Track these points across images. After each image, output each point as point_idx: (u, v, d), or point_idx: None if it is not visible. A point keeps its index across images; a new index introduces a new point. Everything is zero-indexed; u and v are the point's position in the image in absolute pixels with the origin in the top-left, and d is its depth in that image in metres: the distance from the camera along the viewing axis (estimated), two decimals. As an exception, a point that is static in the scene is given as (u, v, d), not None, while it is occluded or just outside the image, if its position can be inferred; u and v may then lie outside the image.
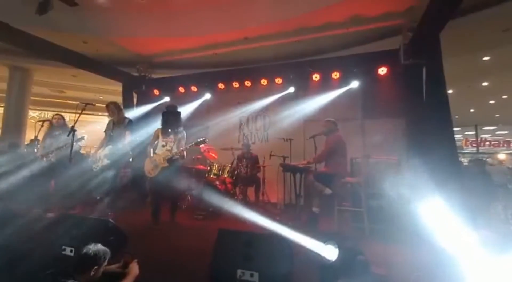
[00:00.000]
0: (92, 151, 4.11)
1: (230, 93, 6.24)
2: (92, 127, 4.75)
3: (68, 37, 5.92)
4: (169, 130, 3.64)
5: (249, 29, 5.68)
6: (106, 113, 3.98)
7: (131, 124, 3.89)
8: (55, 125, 4.25)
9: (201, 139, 3.55)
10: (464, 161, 9.18)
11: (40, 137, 4.62)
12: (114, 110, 3.86)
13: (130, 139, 3.82)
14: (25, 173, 3.95)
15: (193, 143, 3.55)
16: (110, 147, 3.71)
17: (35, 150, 4.73)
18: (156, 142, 3.69)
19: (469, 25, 5.00)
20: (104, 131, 3.94)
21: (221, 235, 2.26)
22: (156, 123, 5.23)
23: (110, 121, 3.94)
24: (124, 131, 3.80)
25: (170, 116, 3.70)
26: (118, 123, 3.86)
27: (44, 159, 4.04)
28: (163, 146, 3.59)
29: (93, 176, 3.67)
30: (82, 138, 3.99)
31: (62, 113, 4.55)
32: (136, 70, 6.93)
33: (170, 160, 3.50)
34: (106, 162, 3.63)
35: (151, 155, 3.63)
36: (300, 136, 5.11)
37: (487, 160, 9.85)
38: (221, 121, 6.06)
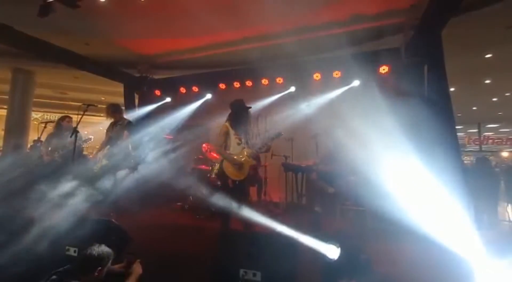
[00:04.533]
0: (94, 152, 4.16)
1: (231, 93, 6.24)
2: (94, 129, 4.78)
3: (70, 39, 5.95)
4: (242, 127, 3.26)
5: (249, 29, 5.67)
6: None
7: (130, 125, 3.95)
8: (64, 126, 4.27)
9: (278, 132, 3.21)
10: (467, 159, 9.12)
11: (43, 138, 4.65)
12: (109, 113, 3.92)
13: (129, 140, 3.85)
14: (29, 173, 3.98)
15: (272, 137, 3.22)
16: (108, 147, 3.75)
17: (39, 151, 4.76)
18: (227, 140, 3.23)
19: (471, 22, 4.96)
20: (106, 131, 4.00)
21: (223, 234, 2.27)
22: (158, 124, 5.24)
23: (111, 123, 4.00)
24: (122, 132, 3.84)
25: (243, 112, 3.29)
26: (117, 125, 3.91)
27: (49, 158, 4.08)
28: (238, 144, 3.20)
29: (95, 177, 3.70)
30: (90, 139, 4.03)
31: (64, 115, 4.58)
32: (137, 71, 6.95)
33: (255, 156, 3.23)
34: (105, 162, 3.67)
35: (230, 157, 3.16)
36: (302, 135, 5.11)
37: (490, 158, 9.79)
38: (223, 122, 6.05)
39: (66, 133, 4.15)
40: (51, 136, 4.29)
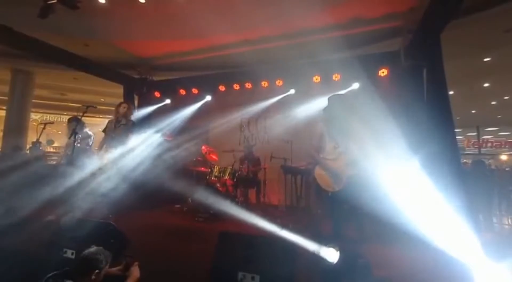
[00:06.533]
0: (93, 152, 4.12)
1: (230, 95, 6.25)
2: (93, 130, 4.76)
3: (70, 40, 5.96)
4: (339, 127, 2.80)
5: (249, 31, 5.69)
6: (108, 115, 4.00)
7: (134, 126, 3.87)
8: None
9: None
10: (466, 162, 9.13)
11: (42, 139, 4.65)
12: (131, 109, 3.89)
13: (132, 141, 3.81)
14: (28, 174, 3.96)
15: None
16: (114, 149, 3.68)
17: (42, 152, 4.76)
18: (321, 142, 2.81)
19: (470, 26, 4.99)
20: (103, 130, 3.89)
21: (222, 237, 2.26)
22: (158, 125, 5.20)
23: (111, 122, 3.91)
24: (127, 133, 3.77)
25: (343, 111, 2.80)
26: (120, 125, 3.82)
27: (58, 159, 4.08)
28: (335, 148, 2.76)
29: (94, 178, 3.67)
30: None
31: (64, 116, 4.58)
32: (137, 72, 6.96)
33: (356, 164, 2.70)
34: (109, 164, 3.62)
35: (324, 162, 2.75)
36: (301, 138, 5.11)
37: (489, 161, 9.80)
38: (222, 123, 6.06)
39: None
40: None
